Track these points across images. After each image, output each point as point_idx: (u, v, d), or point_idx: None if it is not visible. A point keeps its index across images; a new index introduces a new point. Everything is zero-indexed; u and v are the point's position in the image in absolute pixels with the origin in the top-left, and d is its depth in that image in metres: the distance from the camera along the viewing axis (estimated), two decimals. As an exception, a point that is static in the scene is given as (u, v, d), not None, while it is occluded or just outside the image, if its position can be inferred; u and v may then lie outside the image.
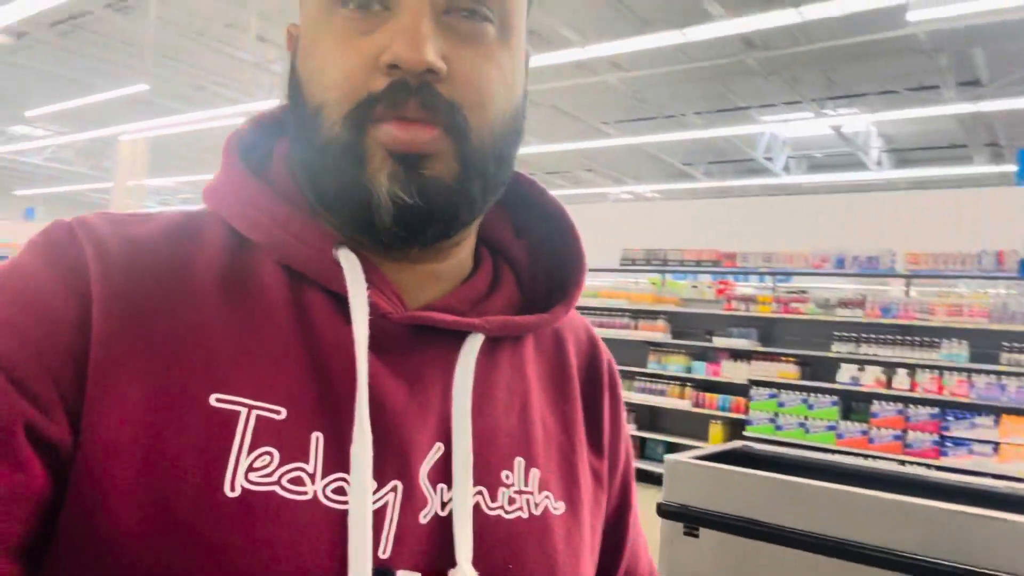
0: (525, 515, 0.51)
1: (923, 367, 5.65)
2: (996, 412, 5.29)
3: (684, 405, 6.94)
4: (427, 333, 0.51)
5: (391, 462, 0.47)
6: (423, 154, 0.46)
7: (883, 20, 6.24)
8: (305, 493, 0.44)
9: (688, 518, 2.46)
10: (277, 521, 0.42)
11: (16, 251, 0.50)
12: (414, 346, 0.51)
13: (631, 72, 8.42)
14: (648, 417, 7.36)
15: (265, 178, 0.54)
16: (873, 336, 5.87)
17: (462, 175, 0.48)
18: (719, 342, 6.77)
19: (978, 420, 5.31)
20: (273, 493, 0.43)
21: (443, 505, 0.48)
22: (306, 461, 0.44)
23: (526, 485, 0.52)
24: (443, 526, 0.47)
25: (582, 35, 7.42)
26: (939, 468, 5.06)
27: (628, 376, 7.26)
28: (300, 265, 0.49)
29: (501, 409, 0.54)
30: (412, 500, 0.47)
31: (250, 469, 0.43)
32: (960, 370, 5.49)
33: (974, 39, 7.04)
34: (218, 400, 0.44)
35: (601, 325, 7.28)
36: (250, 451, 0.43)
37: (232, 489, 0.42)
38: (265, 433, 0.44)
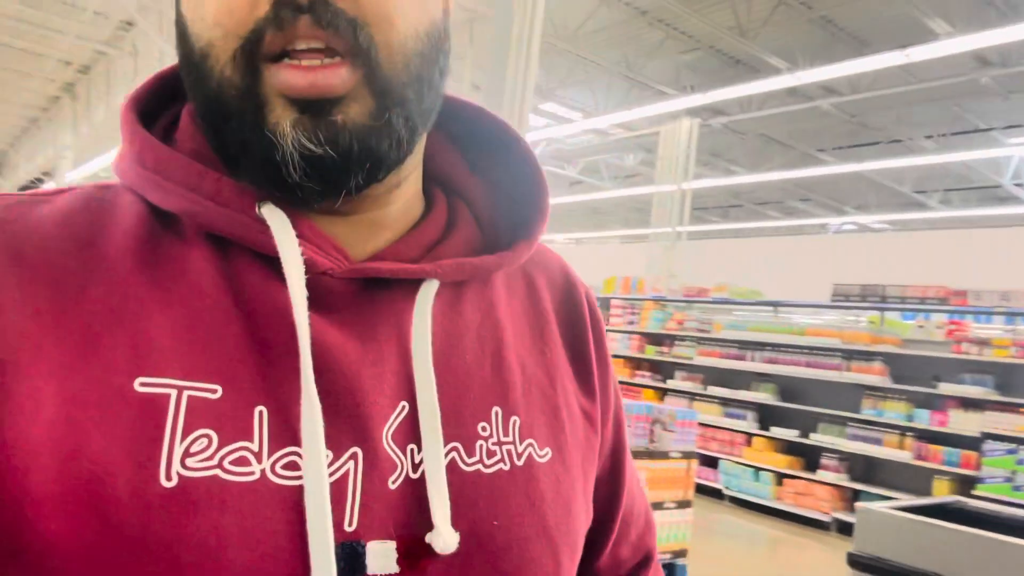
0: (507, 466, 0.48)
1: None
2: None
3: (904, 457, 6.29)
4: (377, 287, 0.47)
5: (347, 428, 0.43)
6: (330, 98, 0.41)
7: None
8: (251, 473, 0.40)
9: (881, 572, 2.27)
10: (223, 507, 0.38)
11: None
12: (363, 302, 0.46)
13: (847, 96, 7.92)
14: (862, 467, 6.76)
15: (173, 141, 0.49)
16: None
17: (378, 110, 0.42)
18: (947, 389, 6.08)
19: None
20: (215, 478, 0.39)
21: (415, 467, 0.44)
22: (249, 439, 0.40)
23: (506, 435, 0.49)
24: (416, 489, 0.44)
25: (791, 61, 7.14)
26: None
27: (838, 421, 6.74)
28: (222, 229, 0.44)
29: (471, 358, 0.49)
30: (376, 466, 0.43)
31: (186, 455, 0.39)
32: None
33: None
34: (143, 385, 0.39)
35: (808, 364, 6.84)
36: (184, 436, 0.39)
37: (168, 479, 0.38)
38: (200, 414, 0.40)
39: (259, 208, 0.44)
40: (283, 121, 0.41)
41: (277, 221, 0.43)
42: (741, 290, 7.42)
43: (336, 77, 0.40)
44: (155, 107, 0.51)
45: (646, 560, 0.66)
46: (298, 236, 0.44)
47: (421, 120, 0.46)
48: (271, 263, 0.44)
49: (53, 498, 0.37)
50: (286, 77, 0.40)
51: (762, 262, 9.78)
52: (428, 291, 0.47)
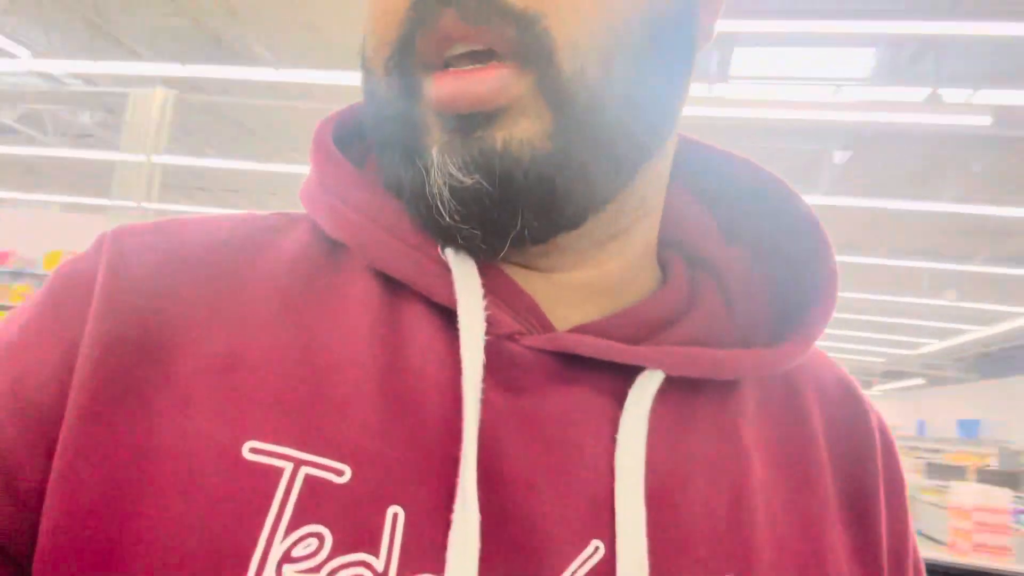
0: None
1: None
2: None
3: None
4: (581, 369, 0.35)
5: (510, 561, 0.31)
6: (488, 111, 0.32)
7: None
8: None
9: None
10: None
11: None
12: (557, 387, 0.35)
13: (325, 104, 8.44)
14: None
15: (366, 166, 0.42)
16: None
17: (558, 129, 0.32)
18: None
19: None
20: None
21: None
22: (375, 551, 0.29)
23: None
24: None
25: (279, 56, 7.29)
26: None
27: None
28: (394, 268, 0.35)
29: (699, 496, 0.35)
30: None
31: (286, 560, 0.29)
32: None
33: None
34: (253, 451, 0.30)
35: None
36: (290, 530, 0.29)
37: None
38: (316, 502, 0.30)
39: (443, 250, 0.35)
40: (432, 147, 0.33)
41: (462, 266, 0.35)
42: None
43: (488, 81, 0.31)
44: (356, 135, 0.43)
45: None
46: (486, 287, 0.35)
47: (634, 148, 0.35)
48: (449, 319, 0.35)
49: None
50: (432, 86, 0.32)
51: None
52: (647, 385, 0.35)
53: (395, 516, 0.30)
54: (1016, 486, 13.07)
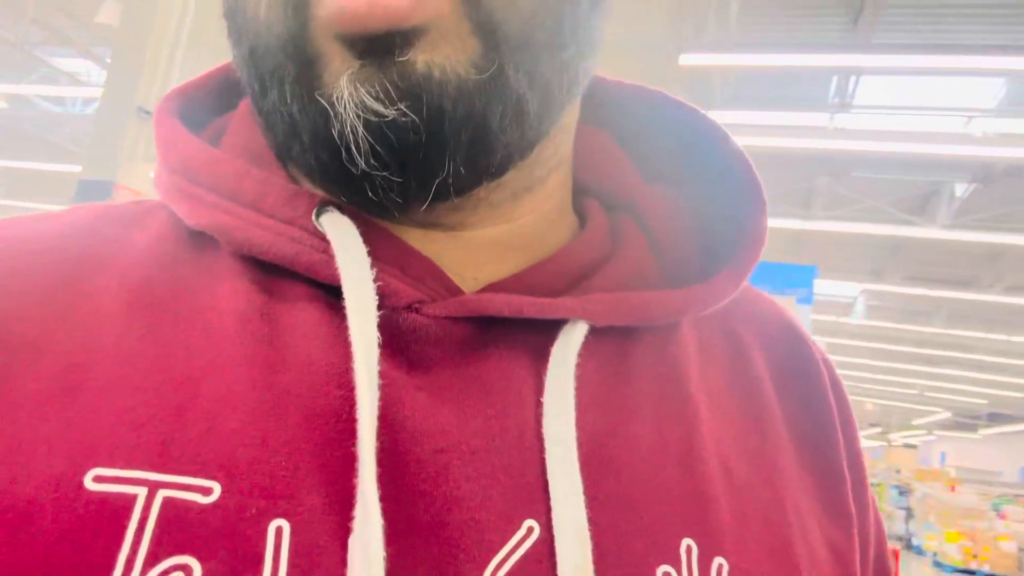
0: None
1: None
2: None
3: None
4: (494, 333, 0.31)
5: (426, 560, 0.26)
6: (404, 29, 0.26)
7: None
8: None
9: None
10: None
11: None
12: (469, 355, 0.30)
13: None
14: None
15: (223, 138, 0.37)
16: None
17: (486, 54, 0.27)
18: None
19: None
20: None
21: None
22: (256, 574, 0.24)
23: None
24: None
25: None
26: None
27: None
28: (266, 251, 0.30)
29: (643, 451, 0.31)
30: None
31: None
32: None
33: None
34: (96, 480, 0.25)
35: None
36: (147, 567, 0.24)
37: None
38: (179, 529, 0.24)
39: (316, 217, 0.30)
40: (340, 76, 0.27)
41: (340, 232, 0.29)
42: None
43: None
44: (213, 111, 0.38)
45: None
46: (372, 255, 0.29)
47: (562, 84, 0.30)
48: (337, 296, 0.29)
49: None
50: (336, 1, 0.26)
51: None
52: (570, 339, 0.30)
53: (279, 530, 0.25)
54: None
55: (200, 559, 0.24)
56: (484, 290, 0.32)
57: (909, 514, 15.01)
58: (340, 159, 0.27)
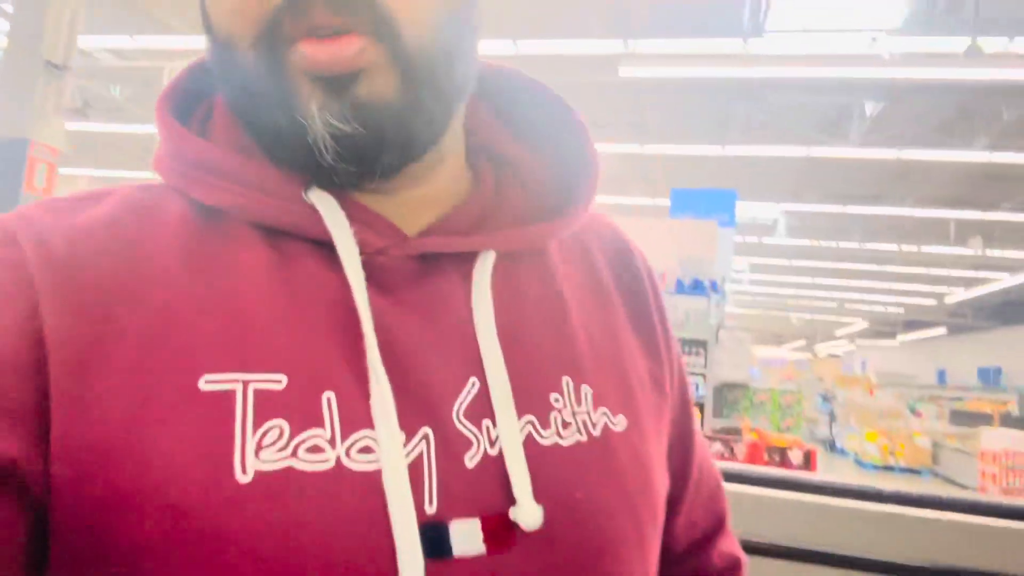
0: (584, 438, 0.46)
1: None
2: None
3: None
4: (433, 263, 0.46)
5: (417, 408, 0.41)
6: (351, 72, 0.39)
7: (598, 67, 7.19)
8: (327, 461, 0.38)
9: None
10: (301, 497, 0.37)
11: None
12: (420, 280, 0.45)
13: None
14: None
15: (211, 133, 0.48)
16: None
17: (404, 86, 0.41)
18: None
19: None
20: (290, 469, 0.38)
21: (492, 443, 0.43)
22: (321, 426, 0.39)
23: (579, 405, 0.47)
24: (495, 466, 0.42)
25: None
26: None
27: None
28: (271, 219, 0.43)
29: (535, 329, 0.48)
30: (450, 444, 0.42)
31: (259, 448, 0.38)
32: None
33: (652, 93, 8.40)
34: (208, 383, 0.39)
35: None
36: (255, 429, 0.38)
37: (244, 472, 0.37)
38: (268, 406, 0.39)
39: (306, 193, 0.44)
40: (309, 103, 0.40)
41: (326, 204, 0.43)
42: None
43: (355, 46, 0.39)
44: (189, 102, 0.50)
45: (719, 523, 0.65)
46: (349, 218, 0.43)
47: (455, 94, 0.45)
48: (325, 248, 0.43)
49: (130, 500, 0.36)
50: (306, 51, 0.39)
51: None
52: (485, 263, 0.47)
53: (328, 399, 0.40)
54: (1038, 431, 13.16)
55: (288, 420, 0.38)
56: (421, 234, 0.47)
57: (832, 418, 16.03)
58: (314, 157, 0.41)
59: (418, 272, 0.45)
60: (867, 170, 10.42)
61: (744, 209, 12.32)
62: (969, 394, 18.11)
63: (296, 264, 0.43)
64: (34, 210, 0.44)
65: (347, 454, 0.39)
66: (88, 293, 0.40)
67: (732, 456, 5.58)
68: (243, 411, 0.38)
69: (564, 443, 0.45)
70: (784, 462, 5.42)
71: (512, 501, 0.41)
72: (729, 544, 0.64)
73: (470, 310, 0.46)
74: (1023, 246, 12.48)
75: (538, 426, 0.45)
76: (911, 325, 24.71)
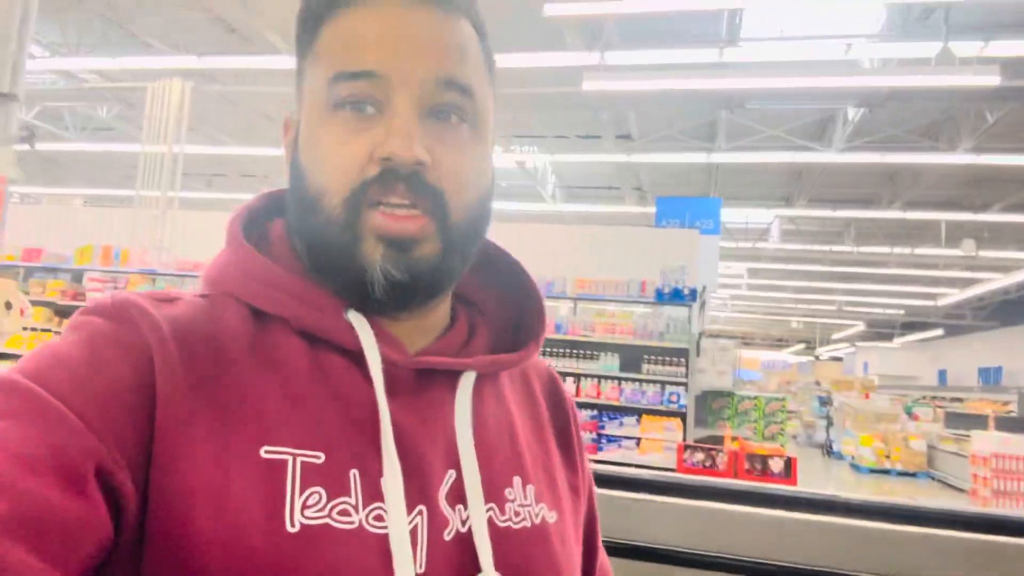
0: (529, 524, 0.59)
1: (586, 376, 6.60)
2: (638, 413, 6.39)
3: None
4: (426, 376, 0.59)
5: (415, 490, 0.54)
6: (412, 238, 0.54)
7: (564, 78, 7.20)
8: (352, 522, 0.50)
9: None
10: (335, 549, 0.49)
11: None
12: (417, 388, 0.58)
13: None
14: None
15: (268, 254, 0.60)
16: (547, 349, 6.68)
17: (444, 253, 0.56)
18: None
19: (625, 420, 6.37)
20: (327, 525, 0.49)
21: (462, 523, 0.55)
22: (348, 495, 0.51)
23: (525, 499, 0.61)
24: (464, 541, 0.54)
25: (289, 40, 7.33)
26: (597, 462, 5.95)
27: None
28: (317, 330, 0.56)
29: (494, 435, 0.61)
30: (436, 521, 0.54)
31: (304, 507, 0.49)
32: (613, 378, 6.53)
33: (629, 104, 8.43)
34: (267, 452, 0.50)
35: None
36: (301, 491, 0.49)
37: (292, 525, 0.48)
38: (311, 475, 0.50)
39: (346, 314, 0.57)
40: (374, 253, 0.54)
41: (360, 325, 0.56)
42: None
43: (417, 226, 0.55)
44: (252, 221, 0.64)
45: None
46: (375, 336, 0.56)
47: (470, 260, 0.61)
48: (350, 356, 0.56)
49: (208, 538, 0.47)
50: (382, 221, 0.54)
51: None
52: (468, 380, 0.60)
53: (354, 475, 0.52)
54: (1036, 432, 13.07)
55: (324, 488, 0.50)
56: (419, 354, 0.60)
57: (829, 422, 15.89)
58: (367, 290, 0.55)
59: (416, 382, 0.58)
60: (854, 174, 10.41)
61: (737, 215, 12.31)
62: (970, 394, 18.04)
63: (331, 367, 0.55)
64: (139, 299, 0.54)
65: (366, 519, 0.51)
66: (188, 372, 0.51)
67: (713, 467, 5.57)
68: (292, 477, 0.50)
69: (515, 527, 0.58)
70: (765, 471, 5.40)
71: (477, 569, 0.54)
72: None
73: (452, 416, 0.58)
74: (1015, 247, 12.44)
75: (497, 512, 0.58)
76: (909, 327, 24.60)
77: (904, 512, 2.26)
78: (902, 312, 21.96)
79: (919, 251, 13.14)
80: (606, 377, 6.57)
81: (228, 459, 0.49)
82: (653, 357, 6.48)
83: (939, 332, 22.68)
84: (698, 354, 6.43)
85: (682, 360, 6.39)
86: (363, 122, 0.55)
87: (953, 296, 16.76)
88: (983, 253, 11.90)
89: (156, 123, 7.59)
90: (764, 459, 5.37)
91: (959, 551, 1.78)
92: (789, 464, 5.27)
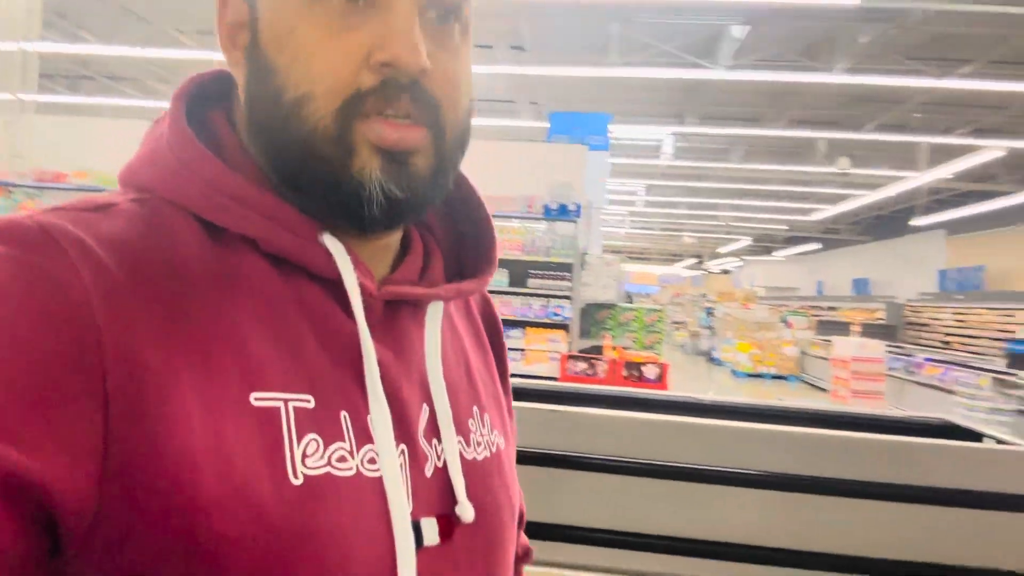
0: (488, 454, 0.59)
1: (474, 290, 6.67)
2: (524, 325, 6.55)
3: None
4: (394, 306, 0.55)
5: (397, 429, 0.51)
6: (409, 151, 0.49)
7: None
8: (350, 469, 0.47)
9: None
10: (339, 498, 0.46)
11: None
12: (387, 319, 0.54)
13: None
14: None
15: (220, 158, 0.51)
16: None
17: (438, 168, 0.51)
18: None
19: (512, 332, 6.53)
20: (329, 475, 0.46)
21: (438, 458, 0.54)
22: (343, 440, 0.48)
23: (484, 429, 0.60)
24: (440, 476, 0.54)
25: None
26: (482, 373, 6.11)
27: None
28: (290, 255, 0.50)
29: (454, 367, 0.60)
30: (416, 458, 0.52)
31: (304, 456, 0.45)
32: (502, 293, 6.64)
33: (521, 11, 8.24)
34: (257, 399, 0.45)
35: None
36: (298, 440, 0.45)
37: (296, 477, 0.45)
38: (305, 422, 0.46)
39: (320, 237, 0.51)
40: (371, 167, 0.48)
41: (337, 250, 0.51)
42: (107, 176, 6.91)
43: (417, 136, 0.49)
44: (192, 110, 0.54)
45: (522, 518, 0.76)
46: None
47: (456, 171, 0.57)
48: (324, 283, 0.51)
49: (215, 501, 0.42)
50: (381, 130, 0.48)
51: (128, 145, 9.07)
52: (436, 311, 0.58)
53: (344, 417, 0.49)
54: (895, 337, 14.34)
55: (319, 434, 0.46)
56: (385, 281, 0.55)
57: (712, 331, 16.88)
58: (360, 209, 0.49)
59: (384, 313, 0.54)
60: (742, 92, 10.68)
61: (630, 132, 12.46)
62: (843, 304, 19.45)
63: (307, 297, 0.50)
64: (55, 218, 0.43)
65: (362, 464, 0.48)
66: (143, 303, 0.43)
67: (594, 375, 5.83)
68: (288, 426, 0.45)
69: (479, 458, 0.58)
70: (641, 378, 5.70)
71: (452, 502, 0.53)
72: (523, 537, 0.79)
73: (422, 350, 0.56)
74: (886, 166, 13.21)
75: (464, 445, 0.57)
76: (791, 241, 26.01)
77: (766, 411, 2.48)
78: (785, 227, 23.13)
79: (800, 168, 13.74)
80: (495, 292, 6.66)
81: (220, 410, 0.43)
82: (540, 272, 6.60)
83: (817, 246, 24.11)
84: (583, 268, 6.61)
85: (568, 275, 6.56)
86: (355, 15, 0.47)
87: (827, 211, 17.73)
88: (856, 170, 12.57)
89: (4, 15, 6.84)
90: (639, 366, 5.66)
91: (816, 446, 1.96)
92: (662, 371, 5.59)
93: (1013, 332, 11.36)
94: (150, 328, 0.42)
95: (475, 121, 0.57)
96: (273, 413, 0.45)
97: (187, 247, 0.47)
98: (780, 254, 27.23)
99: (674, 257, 33.82)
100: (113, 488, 0.40)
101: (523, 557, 0.76)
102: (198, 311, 0.45)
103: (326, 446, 0.46)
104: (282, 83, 0.48)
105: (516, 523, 0.62)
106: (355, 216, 0.49)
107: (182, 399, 0.42)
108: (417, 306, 0.57)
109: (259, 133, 0.51)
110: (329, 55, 0.47)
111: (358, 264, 0.52)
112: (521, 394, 1.89)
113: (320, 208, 0.50)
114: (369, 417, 0.50)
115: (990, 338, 12.23)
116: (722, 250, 29.27)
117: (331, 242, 0.51)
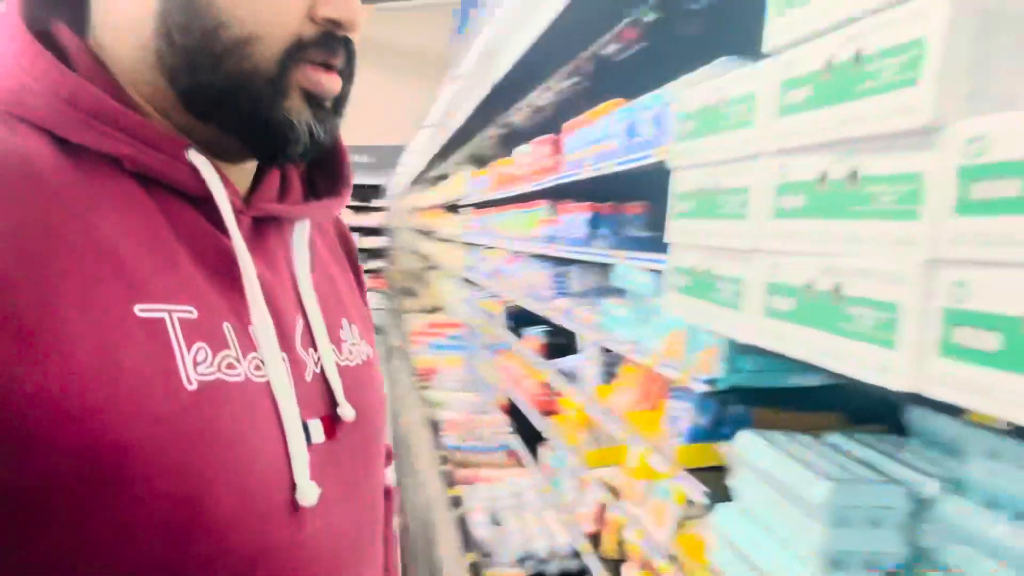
0: (359, 361, 0.66)
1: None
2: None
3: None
4: (263, 222, 0.59)
5: (278, 338, 0.56)
6: (332, 99, 0.56)
7: None
8: (239, 375, 0.51)
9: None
10: (230, 402, 0.49)
11: None
12: (258, 236, 0.59)
13: None
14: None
15: (81, 74, 0.52)
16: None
17: (343, 111, 0.59)
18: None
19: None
20: (220, 380, 0.49)
21: (316, 364, 0.60)
22: (228, 348, 0.51)
23: (353, 338, 0.67)
24: (320, 381, 0.60)
25: None
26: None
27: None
28: (155, 172, 0.51)
29: (320, 279, 0.66)
30: (297, 366, 0.58)
31: (195, 363, 0.48)
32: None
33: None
34: (142, 311, 0.47)
35: None
36: (188, 348, 0.48)
37: (190, 383, 0.47)
38: (191, 332, 0.49)
39: (187, 154, 0.53)
40: (300, 111, 0.55)
41: (204, 167, 0.53)
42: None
43: (338, 85, 0.57)
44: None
45: (389, 453, 0.83)
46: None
47: None
48: (199, 202, 0.54)
49: (113, 412, 0.44)
50: (318, 78, 0.55)
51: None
52: (304, 228, 0.63)
53: (227, 327, 0.53)
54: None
55: (207, 343, 0.51)
56: (254, 200, 0.60)
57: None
58: (282, 146, 0.55)
59: (256, 230, 0.59)
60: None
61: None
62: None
63: (178, 214, 0.53)
64: None
65: (249, 370, 0.52)
66: (10, 223, 0.44)
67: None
68: (175, 335, 0.48)
69: (352, 365, 0.65)
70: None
71: (334, 404, 0.60)
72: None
73: (292, 264, 0.62)
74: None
75: (337, 352, 0.64)
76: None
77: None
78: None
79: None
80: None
81: (106, 322, 0.45)
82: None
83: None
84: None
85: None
86: None
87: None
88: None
89: None
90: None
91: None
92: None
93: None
94: (17, 248, 0.43)
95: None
96: (159, 324, 0.47)
97: (46, 163, 0.47)
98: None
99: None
100: (3, 413, 0.42)
101: (388, 457, 0.80)
102: (68, 231, 0.45)
103: (214, 354, 0.50)
104: (225, 19, 0.51)
105: (385, 423, 0.69)
106: (277, 152, 0.55)
107: (63, 315, 0.43)
108: (281, 223, 0.61)
109: (172, 58, 0.52)
110: (278, 1, 0.52)
111: (226, 182, 0.55)
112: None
113: (230, 140, 0.55)
114: (251, 327, 0.54)
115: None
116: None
117: (198, 159, 0.53)
